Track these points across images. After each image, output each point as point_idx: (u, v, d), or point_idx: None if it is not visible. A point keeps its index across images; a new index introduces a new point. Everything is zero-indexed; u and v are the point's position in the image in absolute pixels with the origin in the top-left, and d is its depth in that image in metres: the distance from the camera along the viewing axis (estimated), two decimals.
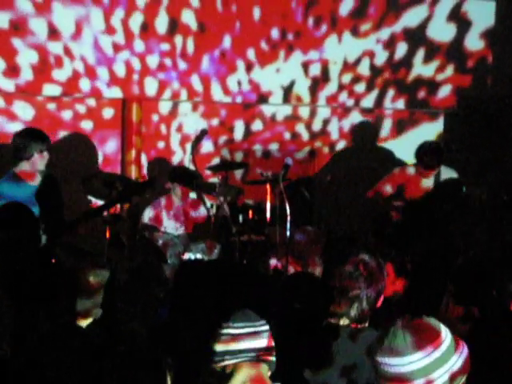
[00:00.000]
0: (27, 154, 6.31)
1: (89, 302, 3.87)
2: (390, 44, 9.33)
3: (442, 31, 9.46)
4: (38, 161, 6.36)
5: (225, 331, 2.98)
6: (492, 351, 3.10)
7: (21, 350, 3.53)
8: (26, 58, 8.12)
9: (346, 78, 9.29)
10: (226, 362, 2.97)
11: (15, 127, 7.65)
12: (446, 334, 2.62)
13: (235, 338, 2.98)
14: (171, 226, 7.96)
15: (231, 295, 4.13)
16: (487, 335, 3.37)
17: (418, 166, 7.74)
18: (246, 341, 2.99)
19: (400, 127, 9.65)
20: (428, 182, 7.74)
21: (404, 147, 9.29)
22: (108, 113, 8.65)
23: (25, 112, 8.26)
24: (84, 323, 3.89)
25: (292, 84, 9.12)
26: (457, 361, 2.59)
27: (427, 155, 7.65)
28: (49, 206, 6.37)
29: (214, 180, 8.55)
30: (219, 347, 2.98)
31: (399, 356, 2.56)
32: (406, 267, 5.12)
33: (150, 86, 8.64)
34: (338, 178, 9.43)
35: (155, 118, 8.84)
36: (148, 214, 7.98)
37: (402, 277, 4.98)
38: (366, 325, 3.52)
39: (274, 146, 9.29)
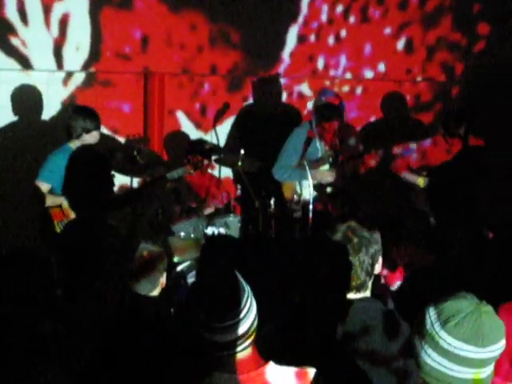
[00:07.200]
0: (77, 133, 6.60)
1: None
2: None
3: None
4: (88, 140, 6.63)
5: None
6: None
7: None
8: None
9: None
10: None
11: None
12: None
13: None
14: None
15: (256, 270, 4.11)
16: None
17: (444, 134, 7.61)
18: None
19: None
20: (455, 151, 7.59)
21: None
22: (131, 85, 8.56)
23: None
24: None
25: None
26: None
27: (452, 123, 7.53)
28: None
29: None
30: None
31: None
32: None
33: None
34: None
35: (178, 90, 8.76)
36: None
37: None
38: (367, 294, 3.40)
39: None
